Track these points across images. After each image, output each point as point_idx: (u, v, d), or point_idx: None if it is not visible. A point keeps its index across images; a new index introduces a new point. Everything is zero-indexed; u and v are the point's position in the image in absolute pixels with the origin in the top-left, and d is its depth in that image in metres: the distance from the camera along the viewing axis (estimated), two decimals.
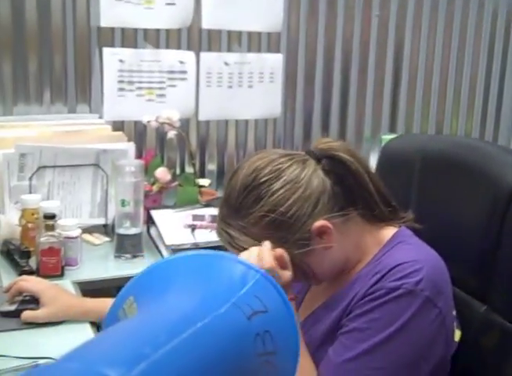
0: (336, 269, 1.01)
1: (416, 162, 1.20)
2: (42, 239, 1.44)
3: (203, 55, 2.10)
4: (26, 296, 1.28)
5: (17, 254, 1.51)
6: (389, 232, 1.02)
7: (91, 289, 1.45)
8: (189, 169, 2.14)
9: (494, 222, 1.03)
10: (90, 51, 2.01)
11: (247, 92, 2.17)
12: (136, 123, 2.05)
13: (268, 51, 2.22)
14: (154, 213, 1.74)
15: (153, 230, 1.74)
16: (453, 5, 2.45)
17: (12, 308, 1.25)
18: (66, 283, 1.43)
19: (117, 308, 0.62)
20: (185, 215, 1.75)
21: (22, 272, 1.46)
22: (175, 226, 1.69)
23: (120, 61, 1.99)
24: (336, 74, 2.35)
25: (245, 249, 0.96)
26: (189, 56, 2.08)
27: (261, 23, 2.15)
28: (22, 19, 1.92)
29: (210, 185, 2.02)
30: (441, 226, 1.13)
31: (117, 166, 1.63)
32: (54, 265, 1.45)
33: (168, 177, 1.87)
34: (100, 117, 1.99)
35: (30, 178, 1.68)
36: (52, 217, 1.46)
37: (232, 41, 2.17)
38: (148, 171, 1.86)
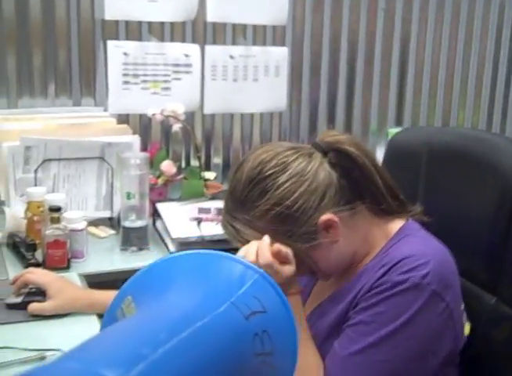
0: (343, 263, 1.00)
1: (423, 154, 1.19)
2: (48, 232, 1.44)
3: (208, 48, 2.09)
4: (32, 288, 1.27)
5: (23, 247, 1.51)
6: (396, 225, 1.01)
7: (97, 281, 1.44)
8: (194, 162, 2.13)
9: (502, 214, 1.03)
10: (94, 44, 2.00)
11: (253, 85, 2.16)
12: (141, 116, 2.05)
13: (273, 44, 2.21)
14: (160, 206, 1.74)
15: (158, 223, 1.73)
16: None
17: (19, 300, 1.25)
18: (73, 276, 1.42)
19: (115, 307, 0.62)
20: (190, 208, 1.74)
21: (28, 265, 1.45)
22: (181, 219, 1.68)
23: (125, 54, 1.98)
24: (341, 67, 2.34)
25: (248, 242, 0.95)
26: (193, 49, 2.07)
27: (266, 16, 2.13)
28: (26, 12, 1.91)
29: (215, 178, 2.01)
30: (450, 218, 1.12)
31: (122, 159, 1.62)
32: (60, 258, 1.45)
33: (174, 170, 1.86)
34: (105, 110, 1.99)
35: (36, 171, 1.68)
36: (58, 210, 1.45)
37: (237, 34, 2.16)
38: (153, 164, 1.86)
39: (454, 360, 1.00)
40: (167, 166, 1.85)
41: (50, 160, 1.69)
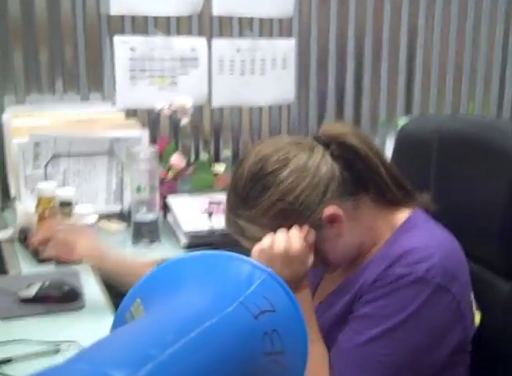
0: (350, 254, 1.00)
1: (434, 142, 1.18)
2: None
3: (215, 41, 2.09)
4: (46, 282, 1.27)
5: None
6: (403, 215, 1.00)
7: None
8: (203, 156, 2.13)
9: None
10: (101, 39, 2.00)
11: (260, 78, 2.16)
12: (149, 110, 2.05)
13: (280, 37, 2.20)
14: (170, 199, 1.73)
15: (169, 217, 1.73)
16: None
17: (32, 294, 1.25)
18: (85, 269, 1.42)
19: (124, 310, 0.61)
20: (201, 201, 1.74)
21: (40, 260, 1.45)
22: (192, 212, 1.68)
23: (131, 49, 1.98)
24: (349, 58, 2.33)
25: (257, 238, 0.95)
26: (200, 43, 2.06)
27: (272, 9, 2.13)
28: (32, 9, 1.91)
29: (225, 171, 2.01)
30: (462, 205, 1.12)
31: (132, 153, 1.62)
32: None
33: (183, 163, 1.86)
34: (113, 105, 1.99)
35: (46, 167, 1.68)
36: (69, 204, 1.45)
37: (243, 27, 2.16)
38: (162, 158, 1.85)
39: (465, 349, 0.99)
40: (177, 159, 1.85)
41: (59, 156, 1.69)
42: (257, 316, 0.57)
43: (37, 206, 1.57)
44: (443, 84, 2.48)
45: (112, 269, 1.27)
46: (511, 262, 1.06)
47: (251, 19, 2.16)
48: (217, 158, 2.17)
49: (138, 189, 1.58)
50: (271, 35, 2.19)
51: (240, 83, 2.13)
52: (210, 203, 1.72)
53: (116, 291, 1.41)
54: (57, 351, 1.09)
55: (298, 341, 0.61)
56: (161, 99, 1.95)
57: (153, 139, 2.00)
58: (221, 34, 2.13)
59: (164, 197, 1.73)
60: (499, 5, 2.47)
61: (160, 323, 0.55)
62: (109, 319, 1.18)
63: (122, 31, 2.01)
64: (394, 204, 1.00)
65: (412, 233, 0.97)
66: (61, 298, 1.26)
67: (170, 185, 1.83)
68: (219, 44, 2.10)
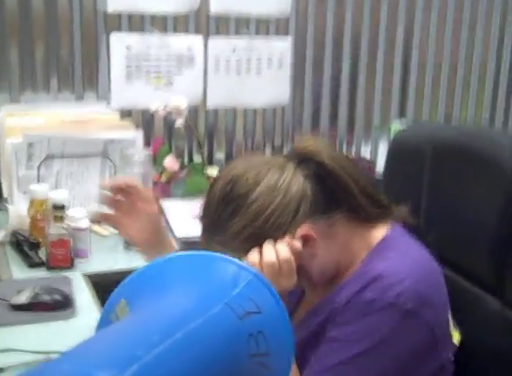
0: (326, 273, 0.99)
1: (427, 150, 1.19)
2: (52, 231, 1.43)
3: (212, 40, 2.08)
4: (36, 287, 1.27)
5: (26, 246, 1.51)
6: (379, 233, 0.99)
7: (101, 281, 1.44)
8: (197, 158, 2.12)
9: (507, 213, 1.02)
10: (97, 37, 1.99)
11: (256, 78, 2.15)
12: (143, 110, 2.04)
13: (276, 36, 2.19)
14: (163, 204, 1.73)
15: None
16: None
17: (24, 301, 1.25)
18: (77, 276, 1.42)
19: (109, 311, 0.61)
20: (193, 206, 1.73)
21: (32, 264, 1.45)
22: (185, 217, 1.68)
23: (127, 48, 1.97)
24: (345, 60, 2.33)
25: None
26: (196, 41, 2.06)
27: (269, 8, 2.12)
28: (28, 6, 1.90)
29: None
30: (454, 214, 1.12)
31: (126, 156, 1.62)
32: (63, 257, 1.45)
33: (176, 166, 1.86)
34: (108, 104, 1.98)
35: (39, 168, 1.67)
36: (62, 208, 1.45)
37: (240, 26, 2.15)
38: (156, 159, 1.85)
39: (446, 369, 0.98)
40: (170, 162, 1.85)
41: (53, 156, 1.69)
42: (242, 317, 0.57)
43: (30, 208, 1.57)
44: (437, 86, 2.48)
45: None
46: (501, 277, 1.06)
47: (248, 18, 2.15)
48: (210, 160, 2.17)
49: None
50: (267, 34, 2.18)
51: (236, 83, 2.12)
52: None
53: (106, 295, 1.41)
54: (48, 361, 1.09)
55: (283, 343, 0.61)
56: (156, 99, 1.94)
57: (147, 140, 1.99)
58: (217, 33, 2.12)
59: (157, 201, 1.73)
60: (494, 6, 2.47)
61: (145, 323, 0.55)
62: None
63: (119, 29, 2.00)
64: (370, 221, 0.99)
65: (386, 255, 0.95)
66: (53, 306, 1.26)
67: (163, 188, 1.83)
68: (215, 42, 2.09)
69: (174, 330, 0.52)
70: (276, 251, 0.92)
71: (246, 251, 0.92)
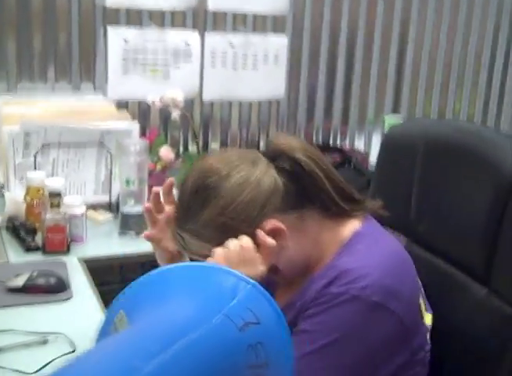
0: (297, 267, 1.00)
1: (420, 146, 1.21)
2: (48, 216, 1.45)
3: (208, 35, 2.10)
4: (34, 272, 1.29)
5: (23, 231, 1.52)
6: (351, 228, 1.00)
7: (96, 266, 1.47)
8: (192, 148, 2.15)
9: (496, 208, 1.04)
10: (95, 29, 2.01)
11: (252, 73, 2.17)
12: (140, 101, 2.06)
13: (273, 33, 2.22)
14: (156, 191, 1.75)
15: None
16: None
17: (20, 284, 1.27)
18: (73, 260, 1.45)
19: (108, 322, 0.62)
20: None
21: (28, 249, 1.48)
22: None
23: (125, 41, 1.99)
24: (340, 56, 2.36)
25: (200, 254, 0.96)
26: (193, 36, 2.08)
27: (266, 5, 2.14)
28: None
29: None
30: (444, 208, 1.14)
31: (122, 146, 1.63)
32: (60, 242, 1.47)
33: (172, 156, 1.87)
34: (104, 95, 2.00)
35: (35, 156, 1.69)
36: (58, 195, 1.47)
37: (237, 23, 2.17)
38: (152, 149, 1.87)
39: (420, 361, 0.99)
40: (166, 152, 1.87)
41: (49, 145, 1.71)
42: (241, 328, 0.57)
43: (26, 195, 1.59)
44: (431, 82, 2.51)
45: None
46: (489, 266, 1.08)
47: (245, 15, 2.17)
48: (205, 150, 2.19)
49: (128, 182, 1.60)
50: (264, 31, 2.21)
51: (232, 77, 2.14)
52: None
53: (101, 280, 1.44)
54: (45, 342, 1.11)
55: (282, 354, 0.61)
56: (153, 91, 1.96)
57: (143, 131, 2.01)
58: (214, 29, 2.14)
59: (151, 189, 1.75)
60: (490, 2, 2.49)
61: (144, 334, 0.55)
62: (96, 311, 1.22)
63: (117, 23, 2.02)
64: (342, 215, 1.00)
65: (355, 249, 0.97)
66: (49, 289, 1.28)
67: (158, 177, 1.84)
68: (212, 38, 2.11)
69: (174, 341, 0.52)
70: (238, 241, 0.93)
71: (216, 243, 0.94)
